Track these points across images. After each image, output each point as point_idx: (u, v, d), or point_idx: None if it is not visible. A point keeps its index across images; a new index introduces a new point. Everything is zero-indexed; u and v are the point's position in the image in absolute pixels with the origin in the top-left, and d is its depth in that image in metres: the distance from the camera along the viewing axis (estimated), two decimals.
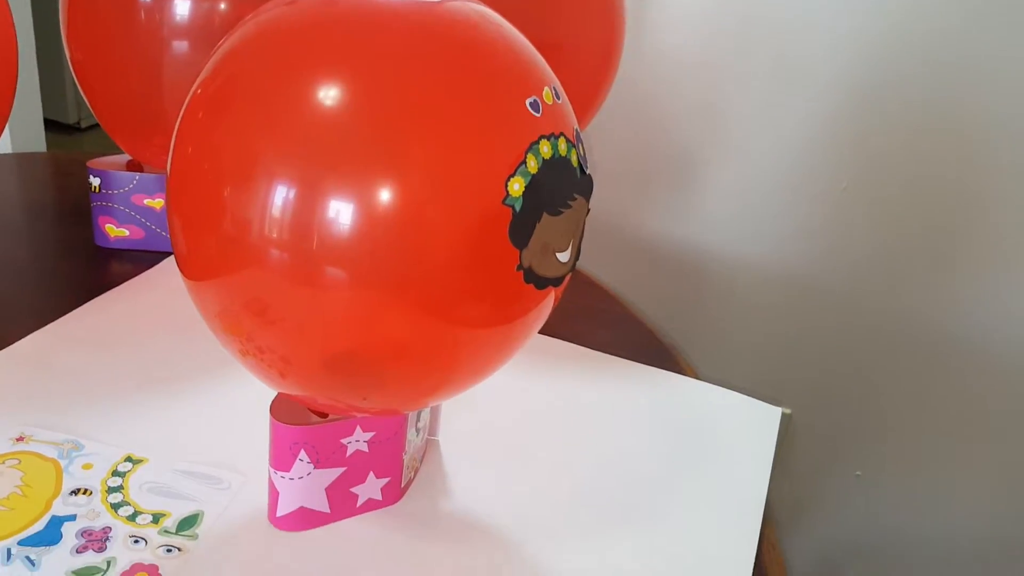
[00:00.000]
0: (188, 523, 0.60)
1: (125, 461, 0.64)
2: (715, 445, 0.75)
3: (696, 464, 0.73)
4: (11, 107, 0.78)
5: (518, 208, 0.47)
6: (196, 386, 0.73)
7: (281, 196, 0.48)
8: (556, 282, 0.51)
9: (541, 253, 0.49)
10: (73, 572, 0.55)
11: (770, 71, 1.19)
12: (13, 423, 0.67)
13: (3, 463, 0.62)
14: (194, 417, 0.70)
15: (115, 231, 0.95)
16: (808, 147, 1.19)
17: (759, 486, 0.71)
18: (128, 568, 0.55)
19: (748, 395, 0.82)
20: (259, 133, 0.48)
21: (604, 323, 0.94)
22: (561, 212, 0.50)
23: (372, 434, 0.60)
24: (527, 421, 0.76)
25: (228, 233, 0.50)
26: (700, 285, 1.29)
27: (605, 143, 1.28)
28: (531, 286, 0.50)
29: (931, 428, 1.23)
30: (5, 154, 1.25)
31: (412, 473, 0.66)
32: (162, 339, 0.80)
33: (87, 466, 0.63)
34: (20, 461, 0.63)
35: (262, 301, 0.52)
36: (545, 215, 0.48)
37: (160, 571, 0.56)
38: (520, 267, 0.48)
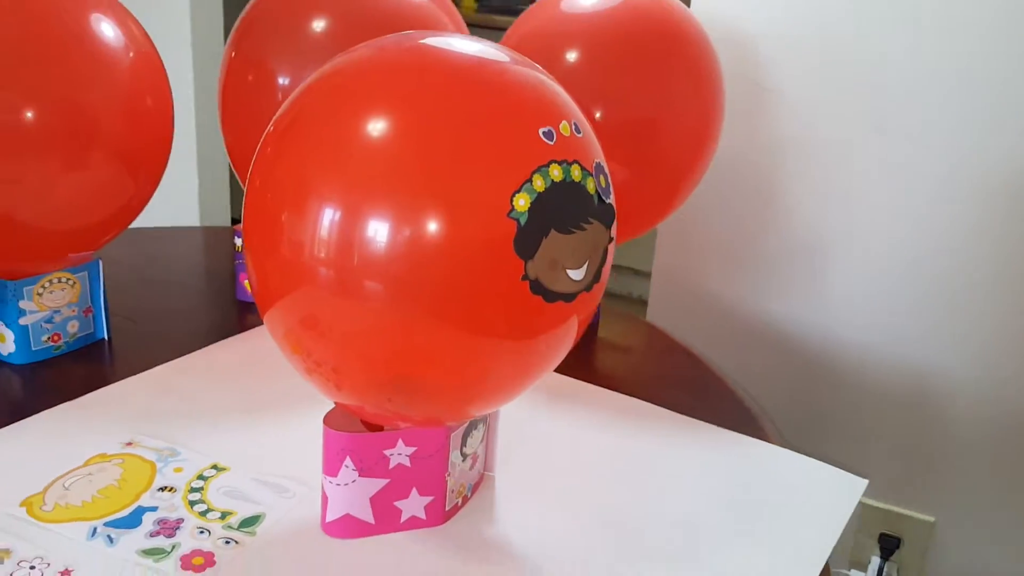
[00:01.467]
0: (250, 522, 0.66)
1: (211, 468, 0.72)
2: (781, 506, 0.73)
3: (755, 521, 0.71)
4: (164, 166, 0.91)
5: (523, 222, 0.51)
6: (287, 416, 0.81)
7: (327, 218, 0.55)
8: (567, 298, 0.55)
9: (549, 268, 0.53)
10: (142, 551, 0.62)
11: (902, 148, 1.17)
12: (127, 431, 0.76)
13: (110, 461, 0.72)
14: (280, 440, 0.77)
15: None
16: (943, 236, 1.15)
17: (822, 548, 0.68)
18: (188, 552, 0.62)
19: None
20: (310, 163, 0.56)
21: (690, 389, 0.94)
22: (572, 232, 0.53)
23: (414, 449, 0.64)
24: (587, 468, 0.77)
25: (284, 256, 0.57)
26: (815, 372, 1.25)
27: (725, 221, 1.30)
28: (539, 298, 0.53)
29: None
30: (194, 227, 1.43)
31: (459, 499, 0.69)
32: (267, 376, 0.88)
33: (178, 469, 0.71)
34: (124, 461, 0.72)
35: (314, 316, 0.58)
36: (553, 232, 0.52)
37: (215, 557, 0.61)
38: (526, 277, 0.52)
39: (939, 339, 1.16)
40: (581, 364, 0.99)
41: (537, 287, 0.53)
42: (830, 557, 1.25)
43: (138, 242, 1.31)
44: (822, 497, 0.74)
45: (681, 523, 0.70)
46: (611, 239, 0.57)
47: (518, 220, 0.51)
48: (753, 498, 0.74)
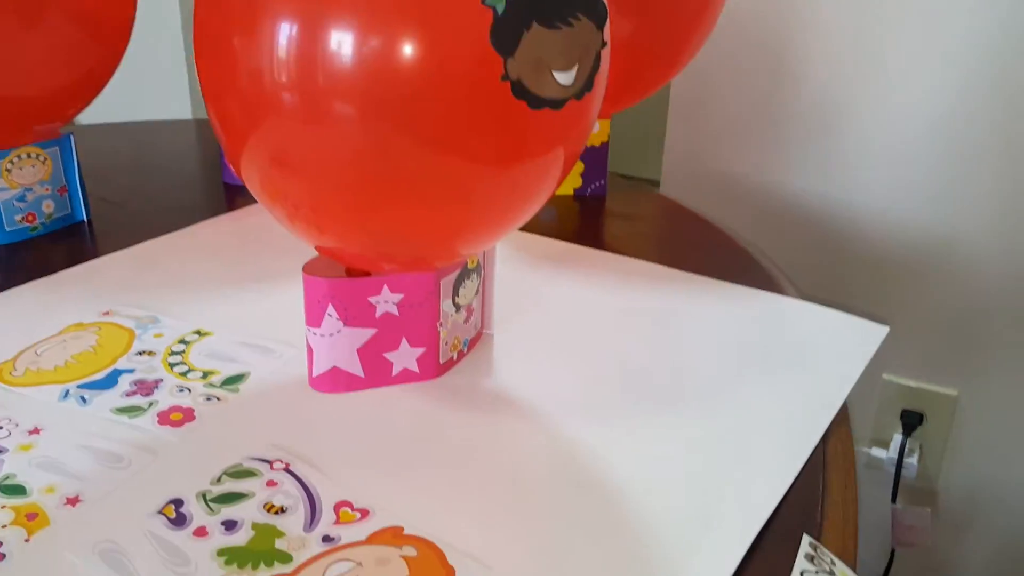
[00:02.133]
0: (233, 380, 0.62)
1: (193, 333, 0.68)
2: (799, 353, 0.69)
3: (772, 368, 0.66)
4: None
5: (499, 10, 0.45)
6: (275, 287, 0.77)
7: (284, 36, 0.49)
8: (554, 105, 0.49)
9: (533, 68, 0.47)
10: (116, 409, 0.58)
11: (922, 8, 1.10)
12: (106, 302, 0.72)
13: (86, 329, 0.68)
14: (266, 307, 0.73)
15: None
16: (960, 100, 1.08)
17: (839, 391, 0.63)
18: (166, 408, 0.58)
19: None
20: None
21: (703, 252, 0.89)
22: (558, 27, 0.48)
23: (401, 296, 0.59)
24: (591, 326, 0.72)
25: (244, 88, 0.52)
26: (827, 238, 1.19)
27: (739, 93, 1.23)
28: (523, 104, 0.48)
29: None
30: (186, 119, 1.38)
31: (455, 354, 0.65)
32: (254, 251, 0.84)
33: (158, 335, 0.68)
34: (100, 329, 0.68)
35: (284, 151, 0.53)
36: (536, 24, 0.47)
37: (195, 413, 0.58)
38: (506, 77, 0.47)
39: (959, 204, 1.10)
40: (588, 232, 0.94)
41: (520, 90, 0.47)
42: (854, 435, 1.22)
43: (128, 133, 1.26)
44: (841, 344, 0.70)
45: (691, 373, 0.66)
46: (604, 43, 0.51)
47: (494, 8, 0.45)
48: (770, 347, 0.69)
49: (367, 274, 0.59)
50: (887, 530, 1.20)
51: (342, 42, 0.47)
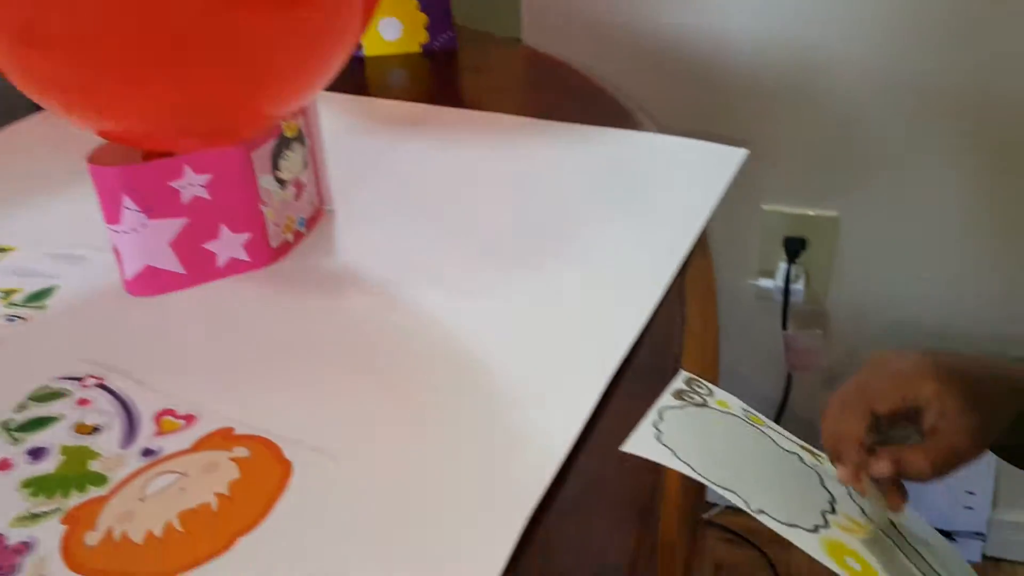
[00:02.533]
0: (38, 296, 0.55)
1: None
2: (656, 185, 0.65)
3: (628, 203, 0.63)
4: None
5: None
6: (76, 190, 0.68)
7: None
8: None
9: None
10: None
11: None
12: None
13: None
14: (75, 213, 0.65)
15: None
16: None
17: (696, 221, 0.60)
18: None
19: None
20: None
21: (558, 94, 0.84)
22: None
23: (208, 176, 0.53)
24: (442, 187, 0.67)
25: None
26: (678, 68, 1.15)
27: None
28: None
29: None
30: None
31: (290, 235, 0.59)
32: (65, 152, 0.75)
33: None
34: None
35: (29, 24, 0.45)
36: None
37: None
38: None
39: (829, 25, 1.06)
40: (440, 91, 0.88)
41: None
42: (737, 269, 1.21)
43: None
44: (699, 172, 0.67)
45: (548, 223, 0.62)
46: None
47: None
48: (627, 185, 0.66)
49: (169, 155, 0.52)
50: (782, 357, 1.23)
51: None
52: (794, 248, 1.17)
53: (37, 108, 0.84)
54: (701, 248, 0.57)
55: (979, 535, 1.24)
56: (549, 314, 0.52)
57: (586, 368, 0.47)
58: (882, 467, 0.42)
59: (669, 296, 0.52)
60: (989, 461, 1.20)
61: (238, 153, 0.53)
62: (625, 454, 0.39)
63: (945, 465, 0.43)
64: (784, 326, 1.20)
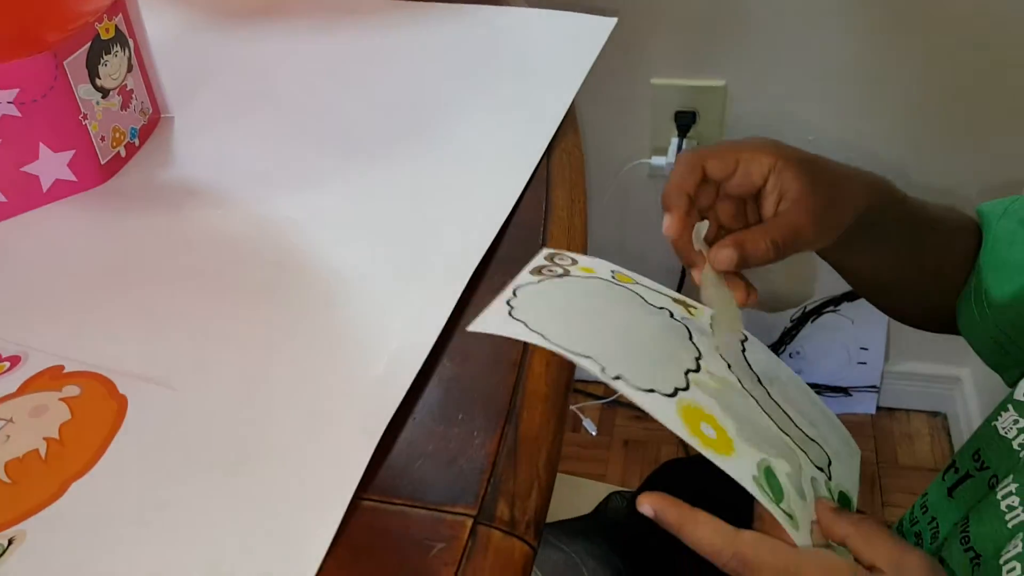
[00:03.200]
0: None
1: None
2: (521, 64, 0.62)
3: (495, 86, 0.59)
4: None
5: None
6: None
7: None
8: None
9: None
10: None
11: None
12: None
13: None
14: None
15: None
16: None
17: (564, 96, 0.57)
18: None
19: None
20: None
21: None
22: None
23: (16, 91, 0.47)
24: (288, 83, 0.62)
25: None
26: None
27: None
28: None
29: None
30: None
31: (121, 149, 0.54)
32: None
33: None
34: None
35: None
36: None
37: None
38: None
39: None
40: None
41: None
42: (631, 148, 1.19)
43: None
44: (568, 45, 0.63)
45: (407, 109, 0.58)
46: None
47: None
48: (493, 64, 0.62)
49: None
50: None
51: None
52: (685, 122, 1.15)
53: None
54: (571, 125, 0.55)
55: (873, 388, 1.29)
56: (408, 209, 0.49)
57: (448, 265, 0.44)
58: (724, 254, 0.39)
59: (535, 180, 0.50)
60: (882, 315, 1.24)
61: (48, 61, 0.47)
62: (488, 352, 0.37)
63: (786, 245, 0.40)
64: None
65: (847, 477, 0.41)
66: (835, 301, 1.22)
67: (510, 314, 0.36)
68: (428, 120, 0.57)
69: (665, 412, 0.35)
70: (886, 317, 1.22)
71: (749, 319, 1.40)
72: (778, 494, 0.36)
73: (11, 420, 0.38)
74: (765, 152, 0.42)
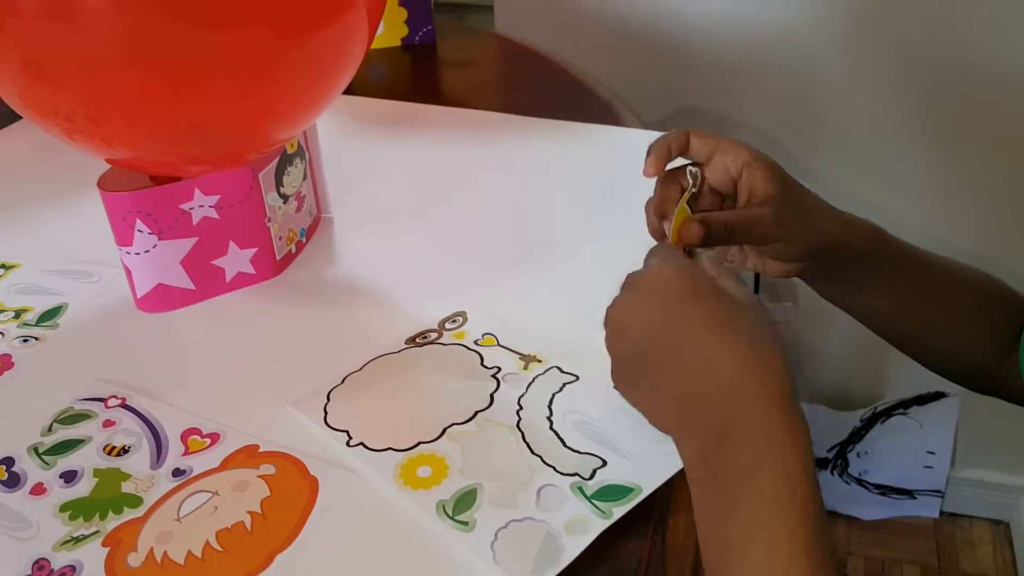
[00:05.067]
0: (49, 315, 0.57)
1: None
2: (638, 183, 0.68)
3: (610, 202, 0.66)
4: None
5: None
6: (80, 199, 0.69)
7: None
8: None
9: None
10: None
11: None
12: None
13: None
14: (75, 224, 0.66)
15: None
16: None
17: None
18: None
19: None
20: None
21: (539, 90, 0.86)
22: None
23: (217, 197, 0.54)
24: (435, 189, 0.69)
25: None
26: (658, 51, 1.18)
27: None
28: None
29: None
30: None
31: (292, 247, 0.61)
32: (51, 161, 0.75)
33: None
34: None
35: (35, 60, 0.46)
36: None
37: (13, 359, 0.53)
38: None
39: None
40: (422, 86, 0.89)
41: None
42: None
43: None
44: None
45: (544, 220, 0.64)
46: None
47: None
48: (613, 181, 0.68)
49: (176, 178, 0.54)
50: None
51: None
52: None
53: (16, 117, 0.84)
54: None
55: (938, 492, 1.31)
56: (555, 316, 0.54)
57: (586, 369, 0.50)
58: (692, 229, 0.45)
59: None
60: (951, 421, 1.26)
61: (246, 174, 0.55)
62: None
63: (741, 228, 0.46)
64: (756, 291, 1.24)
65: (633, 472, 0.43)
66: (905, 404, 1.24)
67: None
68: (561, 233, 0.63)
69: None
70: (955, 422, 1.24)
71: (817, 416, 1.42)
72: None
73: (216, 493, 0.44)
74: (744, 148, 0.48)
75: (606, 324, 0.43)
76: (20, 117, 0.80)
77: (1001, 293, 0.55)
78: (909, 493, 1.31)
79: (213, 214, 0.55)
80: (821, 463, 1.32)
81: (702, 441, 0.38)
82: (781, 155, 1.14)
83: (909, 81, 1.04)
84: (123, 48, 0.45)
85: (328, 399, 0.49)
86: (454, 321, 0.54)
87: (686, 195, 0.48)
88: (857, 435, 1.28)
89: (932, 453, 1.28)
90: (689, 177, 0.49)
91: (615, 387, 0.43)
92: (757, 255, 0.52)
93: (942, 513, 1.34)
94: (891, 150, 1.09)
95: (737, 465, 0.36)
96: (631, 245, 0.61)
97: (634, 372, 0.42)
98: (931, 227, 1.12)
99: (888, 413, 1.26)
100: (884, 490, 1.31)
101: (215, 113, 0.49)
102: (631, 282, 0.44)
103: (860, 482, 1.32)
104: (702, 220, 0.46)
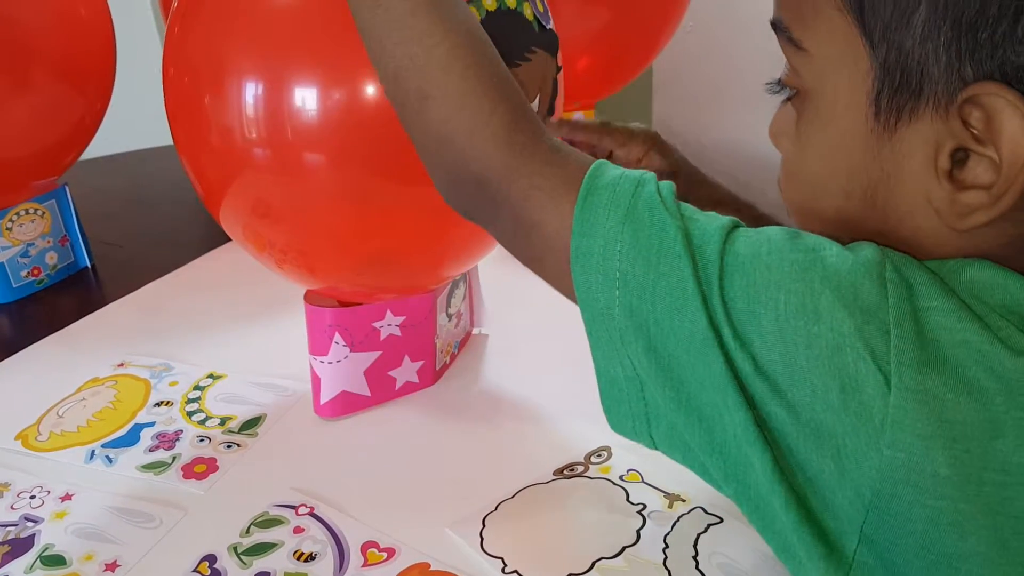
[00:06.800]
0: (250, 424, 0.63)
1: (207, 378, 0.69)
2: None
3: None
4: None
5: None
6: (278, 319, 0.77)
7: (251, 94, 0.50)
8: None
9: None
10: (142, 466, 0.60)
11: None
12: (118, 353, 0.74)
13: (103, 385, 0.69)
14: (274, 342, 0.74)
15: None
16: None
17: None
18: (189, 461, 0.60)
19: None
20: (220, 35, 0.51)
21: None
22: (517, 64, 0.48)
23: (403, 318, 0.60)
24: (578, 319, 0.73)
25: (216, 145, 0.53)
26: None
27: (716, 61, 1.21)
28: None
29: None
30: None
31: (447, 358, 0.66)
32: (254, 282, 0.84)
33: (173, 383, 0.69)
34: (117, 382, 0.69)
35: (264, 202, 0.54)
36: None
37: (218, 463, 0.59)
38: None
39: None
40: None
41: None
42: None
43: (120, 166, 1.26)
44: None
45: None
46: (559, 68, 0.52)
47: None
48: None
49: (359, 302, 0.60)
50: None
51: (306, 97, 0.48)
52: None
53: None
54: None
55: None
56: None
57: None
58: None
59: None
60: None
61: (429, 299, 0.60)
62: None
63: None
64: None
65: None
66: None
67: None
68: None
69: None
70: None
71: None
72: None
73: None
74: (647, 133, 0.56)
75: None
76: (226, 240, 0.91)
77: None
78: None
79: (397, 332, 0.61)
80: None
81: None
82: None
83: None
84: (335, 196, 0.52)
85: (483, 524, 0.52)
86: (599, 455, 0.57)
87: None
88: None
89: None
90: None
91: None
92: None
93: None
94: None
95: None
96: None
97: None
98: None
99: None
100: None
101: (404, 249, 0.55)
102: None
103: None
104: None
